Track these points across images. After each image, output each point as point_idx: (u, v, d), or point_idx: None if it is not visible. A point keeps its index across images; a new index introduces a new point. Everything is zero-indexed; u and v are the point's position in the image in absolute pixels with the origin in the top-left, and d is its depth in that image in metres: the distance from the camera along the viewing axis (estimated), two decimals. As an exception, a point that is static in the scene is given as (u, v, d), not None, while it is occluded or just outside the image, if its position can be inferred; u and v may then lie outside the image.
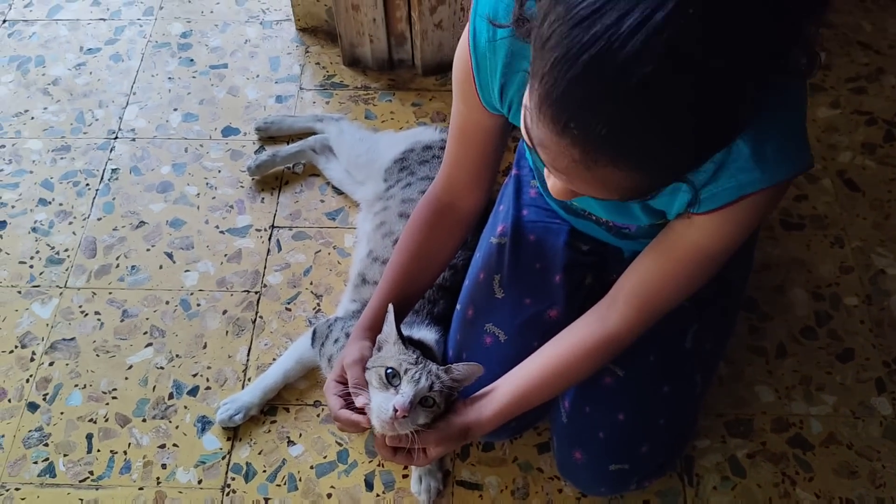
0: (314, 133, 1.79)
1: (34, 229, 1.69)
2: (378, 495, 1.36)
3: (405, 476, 1.38)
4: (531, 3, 0.81)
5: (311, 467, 1.39)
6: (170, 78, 1.96)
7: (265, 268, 1.63)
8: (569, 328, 1.14)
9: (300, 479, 1.38)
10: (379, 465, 1.39)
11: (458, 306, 1.37)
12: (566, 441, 1.26)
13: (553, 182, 0.82)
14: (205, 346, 1.53)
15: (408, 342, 1.27)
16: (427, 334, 1.35)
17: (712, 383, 1.37)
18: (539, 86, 0.68)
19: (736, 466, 1.39)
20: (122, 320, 1.56)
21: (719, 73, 0.63)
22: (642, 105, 0.64)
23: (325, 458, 1.40)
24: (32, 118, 1.88)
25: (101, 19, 2.09)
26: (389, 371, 1.13)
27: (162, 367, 1.50)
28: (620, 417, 1.20)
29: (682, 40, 0.61)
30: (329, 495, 1.36)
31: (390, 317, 1.18)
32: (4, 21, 2.08)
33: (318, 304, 1.58)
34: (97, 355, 1.52)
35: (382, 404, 1.11)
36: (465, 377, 1.17)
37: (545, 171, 0.81)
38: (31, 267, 1.64)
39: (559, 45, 0.64)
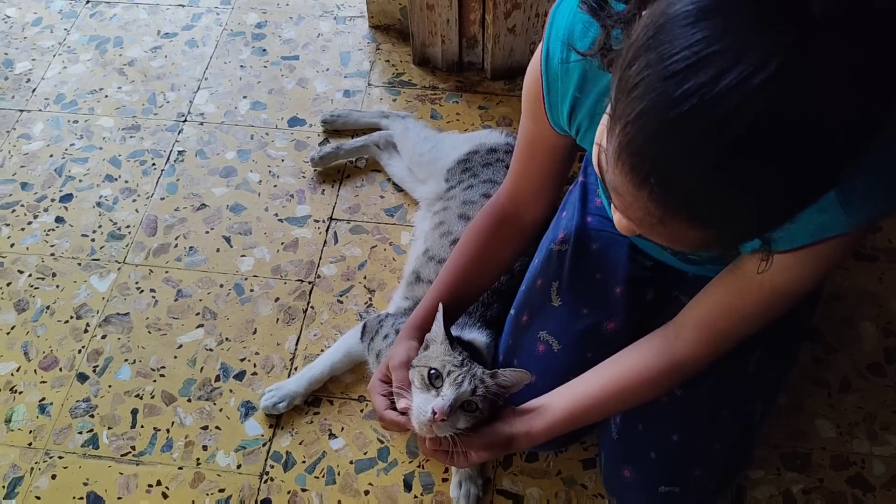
0: (379, 129, 1.79)
1: (99, 204, 1.72)
2: (416, 497, 1.34)
3: (445, 479, 1.35)
4: (617, 31, 0.78)
5: (351, 462, 1.37)
6: (241, 66, 1.98)
7: (320, 259, 1.62)
8: (631, 349, 1.10)
9: (339, 474, 1.36)
10: (419, 467, 1.37)
11: (512, 311, 1.34)
12: (615, 457, 1.22)
13: (619, 218, 0.77)
14: (255, 332, 1.52)
15: (457, 343, 1.25)
16: (478, 337, 1.33)
17: (772, 412, 1.31)
18: (620, 133, 0.64)
19: (790, 501, 1.32)
20: (175, 300, 1.57)
21: (818, 142, 0.59)
22: (731, 169, 0.60)
23: (365, 454, 1.38)
24: (106, 96, 1.92)
25: (179, 5, 2.12)
26: (432, 372, 1.11)
27: (211, 350, 1.50)
28: (675, 438, 1.16)
29: (780, 106, 0.56)
30: (366, 492, 1.34)
31: (439, 315, 1.16)
32: (88, 2, 2.14)
33: (370, 299, 1.56)
34: (149, 332, 1.53)
35: (422, 406, 1.09)
36: (512, 383, 1.14)
37: (612, 206, 0.77)
38: (93, 241, 1.66)
39: (647, 96, 0.61)
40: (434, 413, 1.07)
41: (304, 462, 1.37)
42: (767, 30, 0.56)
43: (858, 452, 1.37)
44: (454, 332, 1.32)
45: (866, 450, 1.37)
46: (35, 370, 1.48)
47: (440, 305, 1.17)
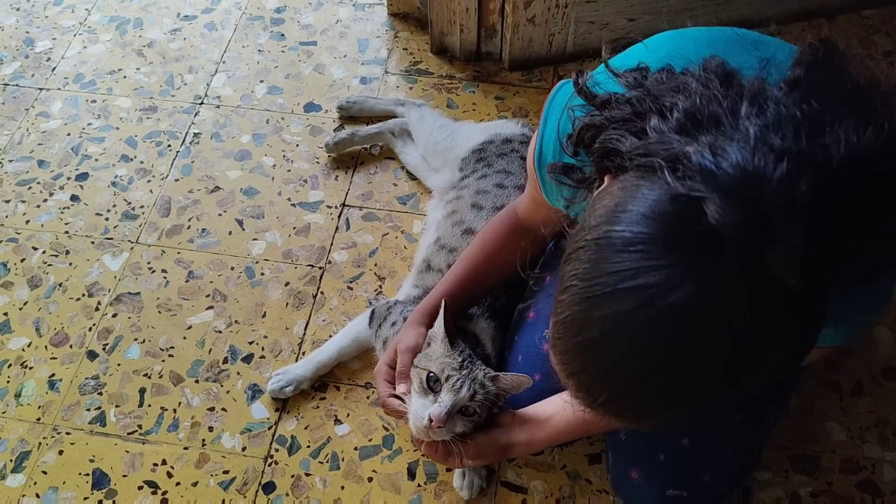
0: (395, 116, 1.78)
1: (114, 184, 1.72)
2: (419, 485, 1.33)
3: (449, 469, 1.34)
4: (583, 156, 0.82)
5: (356, 448, 1.37)
6: (259, 50, 1.98)
7: (332, 244, 1.62)
8: None
9: (343, 459, 1.36)
10: (423, 456, 1.36)
11: (520, 304, 1.33)
12: (623, 458, 1.21)
13: None
14: (264, 316, 1.53)
15: (463, 334, 1.25)
16: (485, 327, 1.32)
17: (783, 416, 1.29)
18: (552, 325, 0.69)
19: (797, 504, 1.31)
20: (186, 281, 1.57)
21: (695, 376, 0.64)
22: (639, 395, 0.65)
23: (370, 441, 1.38)
24: (125, 77, 1.93)
25: (200, -12, 2.13)
26: (431, 376, 1.11)
27: (220, 331, 1.51)
28: (685, 442, 1.14)
29: (676, 348, 0.62)
30: (370, 479, 1.34)
31: (441, 313, 1.15)
32: (109, -18, 2.15)
33: (380, 286, 1.56)
34: (159, 312, 1.53)
35: (419, 411, 1.09)
36: (512, 387, 1.14)
37: None
38: (107, 220, 1.67)
39: (570, 308, 0.65)
40: (431, 420, 1.07)
41: (308, 447, 1.37)
42: (682, 268, 0.60)
43: (869, 457, 1.35)
44: (462, 322, 1.31)
45: (877, 454, 1.35)
46: (46, 346, 1.49)
47: (443, 302, 1.17)
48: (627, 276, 0.61)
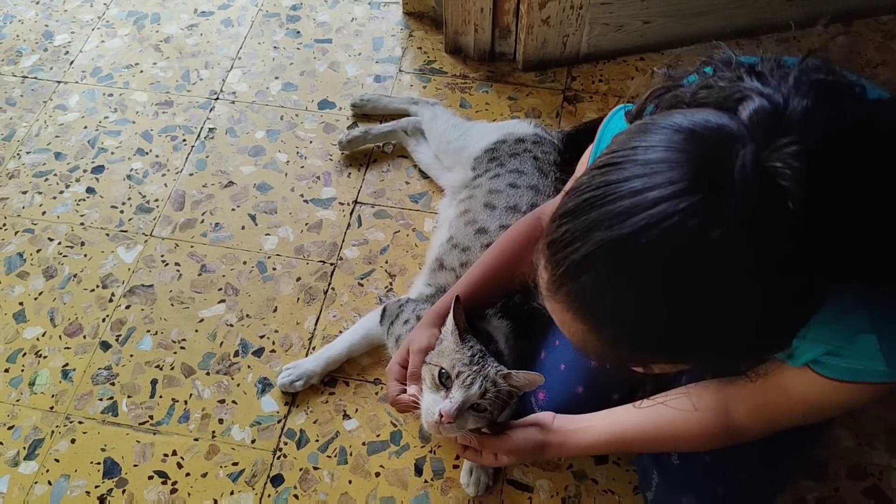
0: (408, 115, 1.79)
1: (129, 177, 1.74)
2: (426, 481, 1.34)
3: (455, 466, 1.35)
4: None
5: (364, 444, 1.38)
6: (275, 47, 1.99)
7: (343, 241, 1.63)
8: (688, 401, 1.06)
9: (351, 454, 1.37)
10: (431, 452, 1.37)
11: None
12: (674, 484, 1.16)
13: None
14: (275, 310, 1.54)
15: (476, 332, 1.25)
16: (499, 326, 1.33)
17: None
18: (549, 226, 0.74)
19: (803, 509, 1.31)
20: (199, 274, 1.59)
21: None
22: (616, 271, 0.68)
23: (378, 436, 1.39)
24: (141, 71, 1.95)
25: (217, -16, 2.14)
26: (443, 372, 1.11)
27: (231, 325, 1.52)
28: (745, 478, 1.11)
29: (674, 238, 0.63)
30: (377, 474, 1.35)
31: (452, 308, 1.16)
32: (128, -23, 2.16)
33: (391, 284, 1.57)
34: (172, 304, 1.55)
35: (430, 407, 1.10)
36: (524, 385, 1.14)
37: None
38: (122, 212, 1.68)
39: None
40: (441, 416, 1.07)
41: (317, 441, 1.39)
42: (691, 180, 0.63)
43: (877, 464, 1.35)
44: (475, 320, 1.32)
45: (885, 461, 1.35)
46: (60, 336, 1.51)
47: (454, 298, 1.17)
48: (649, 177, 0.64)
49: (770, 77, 0.69)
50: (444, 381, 1.12)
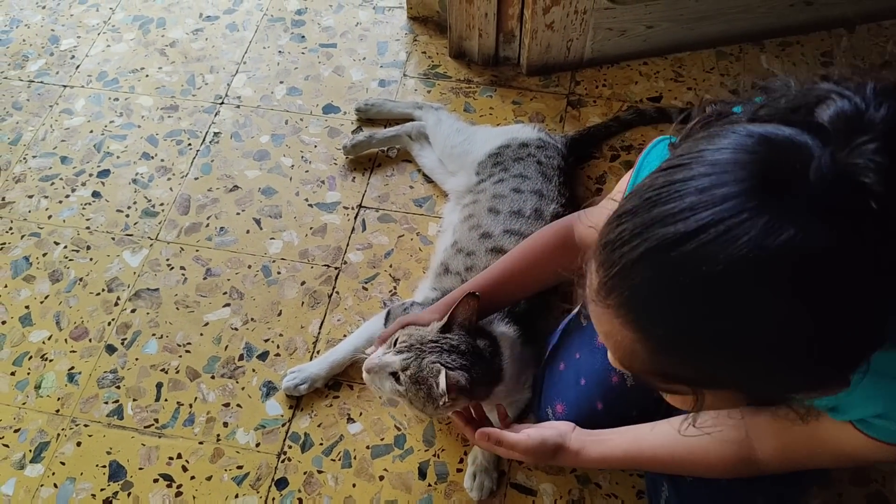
0: (412, 119, 1.80)
1: (135, 181, 1.75)
2: (430, 485, 1.35)
3: (459, 470, 1.36)
4: None
5: (368, 447, 1.39)
6: (280, 52, 2.00)
7: (347, 245, 1.64)
8: (704, 436, 1.02)
9: (355, 458, 1.38)
10: (434, 455, 1.38)
11: (583, 319, 1.30)
12: (686, 501, 1.15)
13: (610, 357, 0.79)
14: (279, 314, 1.54)
15: (482, 334, 1.26)
16: (505, 331, 1.33)
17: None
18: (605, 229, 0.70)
19: (807, 514, 1.31)
20: (204, 278, 1.60)
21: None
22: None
23: (382, 440, 1.40)
24: (147, 76, 1.96)
25: (222, -11, 2.15)
26: (399, 338, 1.18)
27: (236, 329, 1.53)
28: (759, 502, 1.10)
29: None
30: (381, 477, 1.36)
31: (467, 301, 1.18)
32: (133, -18, 2.18)
33: (395, 288, 1.58)
34: (177, 308, 1.55)
35: (370, 356, 1.20)
36: (440, 390, 1.14)
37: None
38: (128, 216, 1.69)
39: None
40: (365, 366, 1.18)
41: (321, 444, 1.39)
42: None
43: (879, 469, 1.35)
44: (482, 323, 1.32)
45: (888, 467, 1.35)
46: (66, 339, 1.52)
47: (469, 294, 1.18)
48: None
49: (847, 81, 0.65)
50: (394, 344, 1.19)
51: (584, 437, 1.15)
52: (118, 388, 1.46)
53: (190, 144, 1.82)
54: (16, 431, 1.40)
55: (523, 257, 1.24)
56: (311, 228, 1.67)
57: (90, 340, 1.52)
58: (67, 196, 1.73)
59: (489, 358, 1.25)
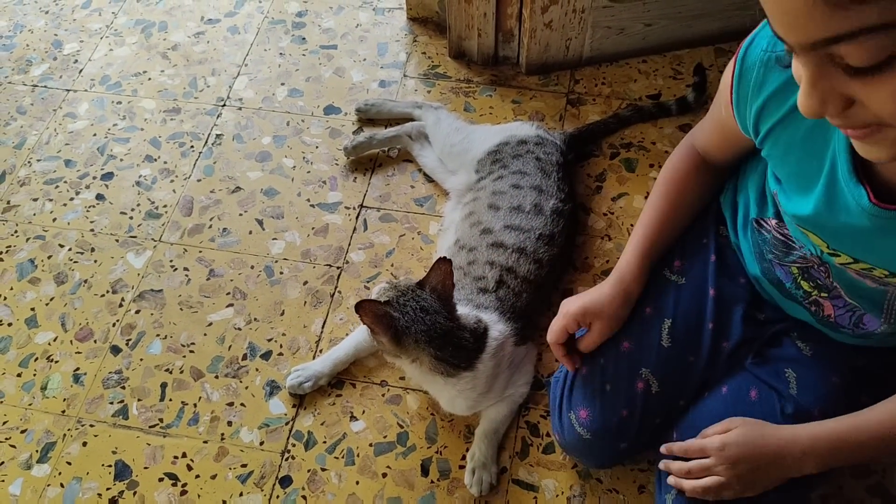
0: (412, 119, 1.81)
1: (138, 183, 1.77)
2: (432, 482, 1.36)
3: (461, 467, 1.37)
4: None
5: (371, 445, 1.40)
6: (281, 54, 2.01)
7: (349, 245, 1.65)
8: None
9: (358, 455, 1.39)
10: (437, 453, 1.39)
11: None
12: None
13: (801, 99, 0.63)
14: (282, 314, 1.56)
15: (474, 321, 1.31)
16: (501, 327, 1.34)
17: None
18: None
19: (807, 507, 1.32)
20: (207, 279, 1.61)
21: None
22: None
23: (384, 437, 1.41)
24: (149, 79, 1.97)
25: (223, -8, 2.17)
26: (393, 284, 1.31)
27: (239, 329, 1.54)
28: (772, 496, 1.08)
29: None
30: (384, 474, 1.37)
31: (440, 267, 1.25)
32: (135, -14, 2.19)
33: (396, 286, 1.59)
34: (181, 309, 1.57)
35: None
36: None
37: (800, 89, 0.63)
38: (131, 218, 1.71)
39: None
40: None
41: (324, 442, 1.40)
42: None
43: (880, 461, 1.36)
44: (483, 317, 1.33)
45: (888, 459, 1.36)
46: (71, 341, 1.53)
47: (441, 259, 1.25)
48: None
49: None
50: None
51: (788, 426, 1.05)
52: (123, 388, 1.47)
53: (192, 146, 1.83)
54: (22, 432, 1.42)
55: (666, 198, 1.23)
56: (313, 228, 1.68)
57: (95, 341, 1.53)
58: (71, 199, 1.74)
59: (456, 333, 1.27)
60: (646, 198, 1.68)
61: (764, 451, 1.04)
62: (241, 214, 1.71)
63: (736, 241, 1.23)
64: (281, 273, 1.62)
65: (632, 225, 1.65)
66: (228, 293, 1.59)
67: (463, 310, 1.31)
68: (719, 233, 1.27)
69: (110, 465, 1.38)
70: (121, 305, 1.58)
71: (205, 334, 1.54)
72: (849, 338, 1.11)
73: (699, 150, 1.23)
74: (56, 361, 1.51)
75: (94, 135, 1.86)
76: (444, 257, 1.25)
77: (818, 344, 1.15)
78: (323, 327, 1.54)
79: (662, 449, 1.15)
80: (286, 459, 1.39)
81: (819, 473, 1.05)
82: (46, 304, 1.58)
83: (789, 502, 1.11)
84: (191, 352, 1.51)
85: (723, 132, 1.12)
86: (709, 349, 1.20)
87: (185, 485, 1.36)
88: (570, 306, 1.22)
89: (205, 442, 1.41)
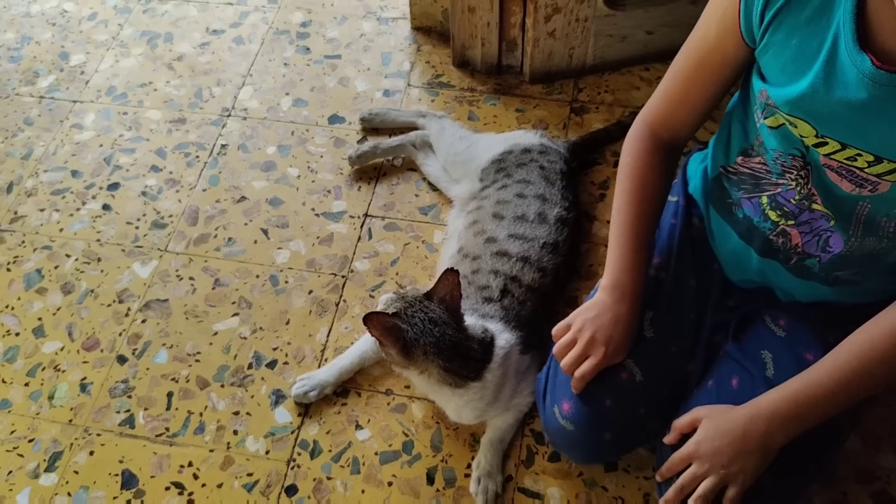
0: (416, 128, 1.82)
1: (144, 193, 1.78)
2: (438, 490, 1.36)
3: (467, 475, 1.37)
4: None
5: (376, 453, 1.40)
6: (285, 64, 2.03)
7: (354, 254, 1.66)
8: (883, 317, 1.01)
9: (363, 464, 1.39)
10: (442, 461, 1.39)
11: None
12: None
13: None
14: (287, 323, 1.56)
15: (480, 331, 1.31)
16: (507, 336, 1.34)
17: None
18: None
19: (813, 514, 1.32)
20: (213, 288, 1.62)
21: None
22: None
23: (390, 446, 1.41)
24: (155, 90, 1.99)
25: (228, 3, 2.18)
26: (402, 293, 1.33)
27: (245, 338, 1.55)
28: (767, 482, 1.08)
29: None
30: (390, 483, 1.37)
31: (447, 279, 1.25)
32: (141, -2, 2.21)
33: (401, 295, 1.59)
34: (186, 318, 1.58)
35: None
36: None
37: None
38: (137, 228, 1.72)
39: None
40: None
41: (330, 451, 1.41)
42: None
43: (885, 467, 1.36)
44: (489, 327, 1.34)
45: (892, 465, 1.36)
46: (78, 350, 1.54)
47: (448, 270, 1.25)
48: None
49: None
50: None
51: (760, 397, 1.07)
52: (130, 397, 1.48)
53: (198, 157, 1.84)
54: (30, 441, 1.43)
55: (637, 194, 1.21)
56: (317, 238, 1.69)
57: (102, 351, 1.54)
58: (78, 209, 1.75)
59: (464, 344, 1.27)
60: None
61: (734, 434, 1.05)
62: (246, 224, 1.72)
63: (708, 221, 1.26)
64: (286, 282, 1.62)
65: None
66: (234, 302, 1.60)
67: (468, 319, 1.31)
68: (691, 223, 1.30)
69: (117, 474, 1.39)
70: (127, 315, 1.59)
71: (210, 343, 1.54)
72: (817, 283, 1.13)
73: (657, 130, 1.22)
74: (63, 371, 1.51)
75: (101, 145, 1.88)
76: (452, 268, 1.26)
77: (790, 321, 1.18)
78: (328, 336, 1.55)
79: (657, 477, 1.15)
80: (292, 468, 1.39)
81: (818, 469, 1.09)
82: (53, 314, 1.59)
83: (786, 490, 1.11)
84: (196, 361, 1.52)
85: (700, 68, 1.11)
86: (690, 338, 1.23)
87: (191, 493, 1.36)
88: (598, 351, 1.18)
89: (211, 451, 1.41)
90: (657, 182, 1.23)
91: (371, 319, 1.20)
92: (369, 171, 1.80)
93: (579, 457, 1.33)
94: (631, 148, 1.23)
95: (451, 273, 1.25)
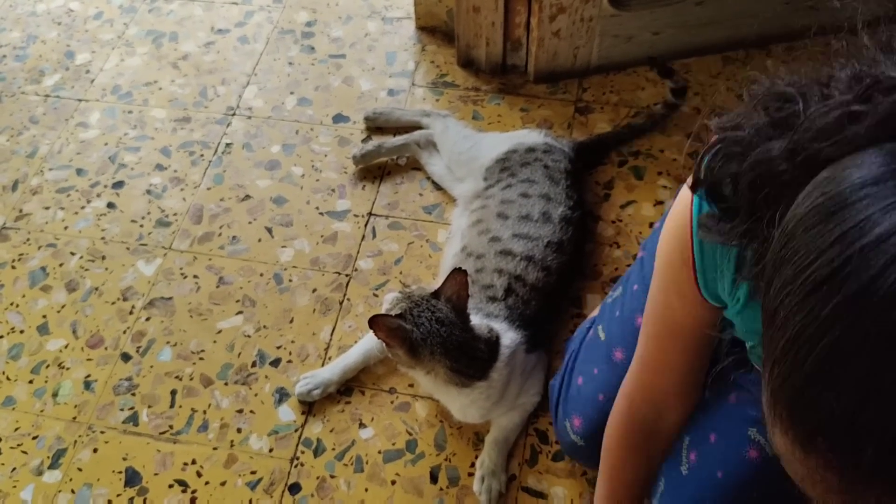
0: (420, 127, 1.82)
1: (148, 192, 1.78)
2: (441, 489, 1.36)
3: (470, 474, 1.37)
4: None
5: (379, 452, 1.40)
6: (290, 63, 2.03)
7: (358, 252, 1.66)
8: None
9: (367, 462, 1.39)
10: (446, 460, 1.39)
11: (600, 333, 1.28)
12: (680, 495, 1.11)
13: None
14: (291, 321, 1.56)
15: (486, 331, 1.30)
16: (512, 336, 1.34)
17: None
18: (770, 378, 0.49)
19: (818, 515, 1.31)
20: (217, 286, 1.62)
21: None
22: None
23: (393, 444, 1.41)
24: (160, 89, 1.99)
25: (233, 3, 2.19)
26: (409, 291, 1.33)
27: (249, 336, 1.55)
28: (755, 496, 1.05)
29: None
30: (393, 482, 1.37)
31: (455, 278, 1.25)
32: (146, -3, 2.22)
33: (405, 294, 1.59)
34: (190, 316, 1.58)
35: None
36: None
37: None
38: (142, 227, 1.72)
39: (789, 321, 0.47)
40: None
41: (333, 449, 1.41)
42: None
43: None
44: (494, 325, 1.34)
45: None
46: (82, 348, 1.54)
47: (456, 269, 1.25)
48: (852, 238, 0.45)
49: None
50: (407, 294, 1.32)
51: None
52: (133, 395, 1.48)
53: (202, 155, 1.84)
54: (34, 438, 1.43)
55: (611, 474, 1.15)
56: (321, 236, 1.69)
57: (106, 349, 1.54)
58: (83, 207, 1.76)
59: (471, 344, 1.27)
60: (654, 206, 1.68)
61: None
62: (250, 222, 1.72)
63: None
64: (290, 281, 1.62)
65: (640, 233, 1.65)
66: (238, 300, 1.60)
67: (473, 319, 1.31)
68: None
69: (121, 472, 1.39)
70: (131, 313, 1.59)
71: (214, 342, 1.54)
72: None
73: (643, 408, 1.08)
74: (67, 368, 1.51)
75: (106, 144, 1.88)
76: (460, 268, 1.25)
77: None
78: (332, 335, 1.55)
79: None
80: (295, 466, 1.39)
81: None
82: (58, 312, 1.59)
83: (730, 450, 1.07)
84: (200, 359, 1.52)
85: (676, 337, 0.96)
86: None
87: (194, 491, 1.36)
88: None
89: (214, 449, 1.41)
90: (636, 472, 1.14)
91: (376, 322, 1.19)
92: (373, 170, 1.80)
93: (592, 466, 1.32)
94: (610, 429, 1.12)
95: (459, 273, 1.25)
